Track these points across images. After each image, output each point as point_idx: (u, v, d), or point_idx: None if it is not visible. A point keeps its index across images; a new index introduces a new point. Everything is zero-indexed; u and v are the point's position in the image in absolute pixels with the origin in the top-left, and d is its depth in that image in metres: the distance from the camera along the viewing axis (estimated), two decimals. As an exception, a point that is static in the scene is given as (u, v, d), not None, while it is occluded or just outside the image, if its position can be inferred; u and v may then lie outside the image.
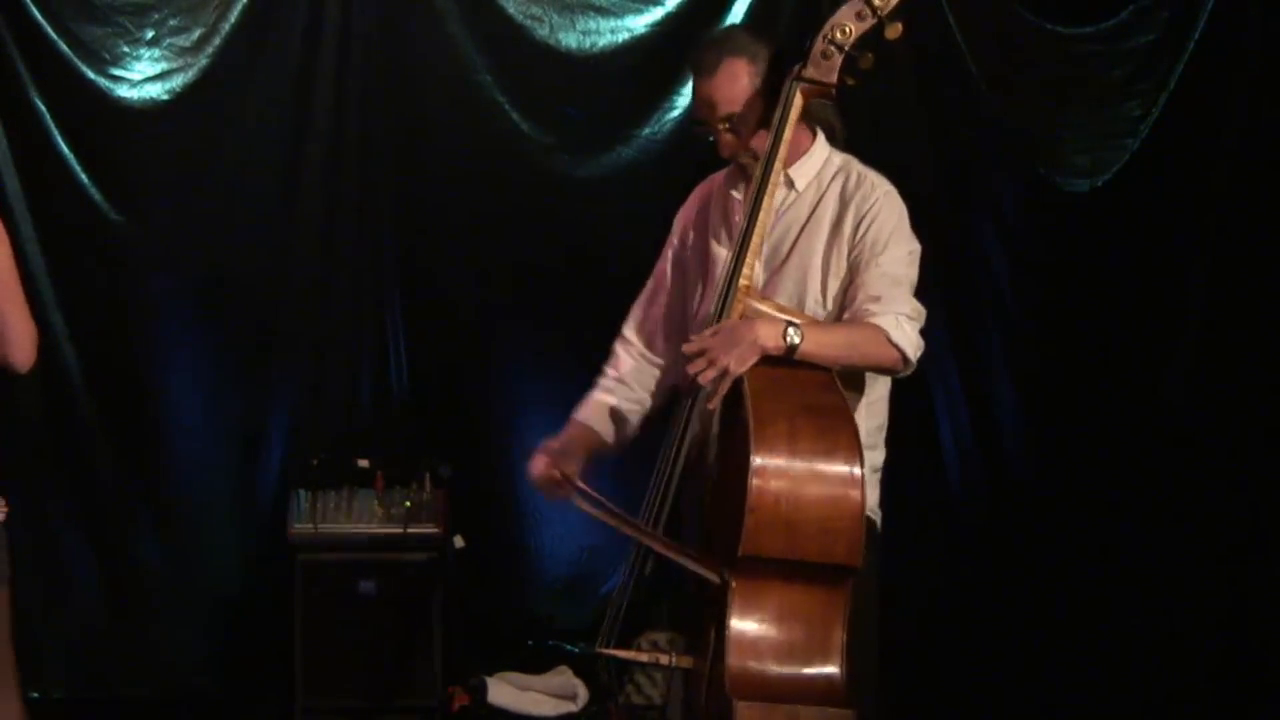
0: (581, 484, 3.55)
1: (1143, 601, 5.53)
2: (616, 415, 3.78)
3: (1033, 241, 5.89)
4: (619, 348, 3.86)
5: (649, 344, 3.84)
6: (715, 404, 3.31)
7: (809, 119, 3.61)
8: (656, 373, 3.82)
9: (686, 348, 3.36)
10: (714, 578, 3.19)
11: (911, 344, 3.40)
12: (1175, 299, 5.58)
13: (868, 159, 3.70)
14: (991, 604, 5.81)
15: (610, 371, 3.84)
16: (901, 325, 3.39)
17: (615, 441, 3.77)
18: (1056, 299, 5.81)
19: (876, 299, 3.41)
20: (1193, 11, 5.55)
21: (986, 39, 5.82)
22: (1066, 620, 5.66)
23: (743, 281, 3.41)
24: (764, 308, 3.38)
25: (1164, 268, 5.60)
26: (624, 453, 3.82)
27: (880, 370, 3.48)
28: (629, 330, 3.87)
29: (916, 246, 3.55)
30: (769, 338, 3.28)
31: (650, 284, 3.89)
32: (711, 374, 3.28)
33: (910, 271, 3.51)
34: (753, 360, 3.27)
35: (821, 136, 3.66)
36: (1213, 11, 5.51)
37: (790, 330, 3.28)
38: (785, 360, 3.28)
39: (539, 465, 3.64)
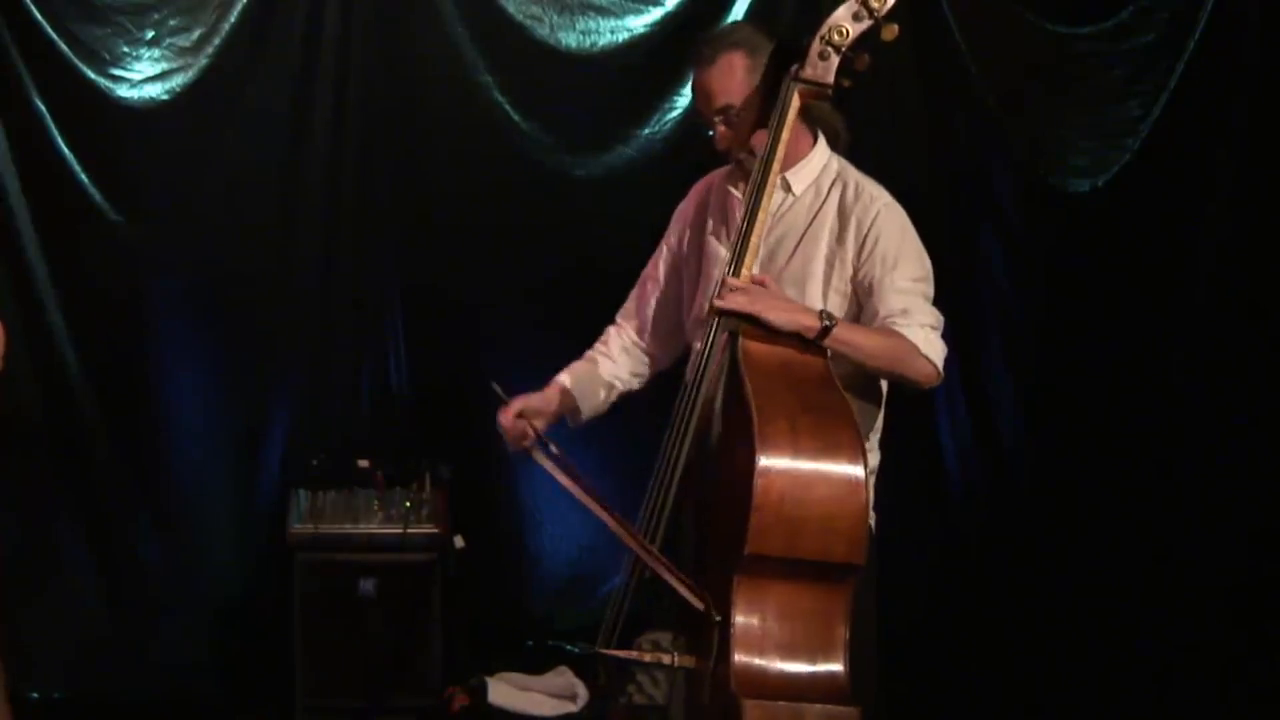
0: (549, 441, 3.53)
1: (1143, 601, 5.53)
2: (596, 385, 3.87)
3: (1033, 241, 5.89)
4: (610, 329, 3.99)
5: (639, 333, 3.94)
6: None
7: (810, 121, 3.62)
8: (644, 359, 3.95)
9: (730, 281, 3.36)
10: (697, 603, 3.21)
11: (939, 355, 3.45)
12: (1175, 299, 5.59)
13: (868, 160, 3.71)
14: (991, 603, 5.82)
15: (599, 346, 3.95)
16: (929, 338, 3.44)
17: (588, 410, 3.86)
18: (1056, 299, 5.82)
19: (903, 311, 3.44)
20: (1193, 11, 5.55)
21: (986, 39, 5.82)
22: (1067, 620, 5.67)
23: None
24: None
25: (1164, 268, 5.61)
26: (587, 426, 3.90)
27: (909, 382, 3.49)
28: (621, 317, 4.00)
29: (928, 261, 3.57)
30: (806, 315, 3.32)
31: (644, 278, 3.94)
32: (743, 301, 3.29)
33: (925, 287, 3.53)
34: (782, 321, 3.29)
35: (823, 141, 3.67)
36: (1213, 11, 5.51)
37: (824, 314, 3.33)
38: (786, 359, 3.28)
39: (509, 414, 3.66)
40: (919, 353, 3.40)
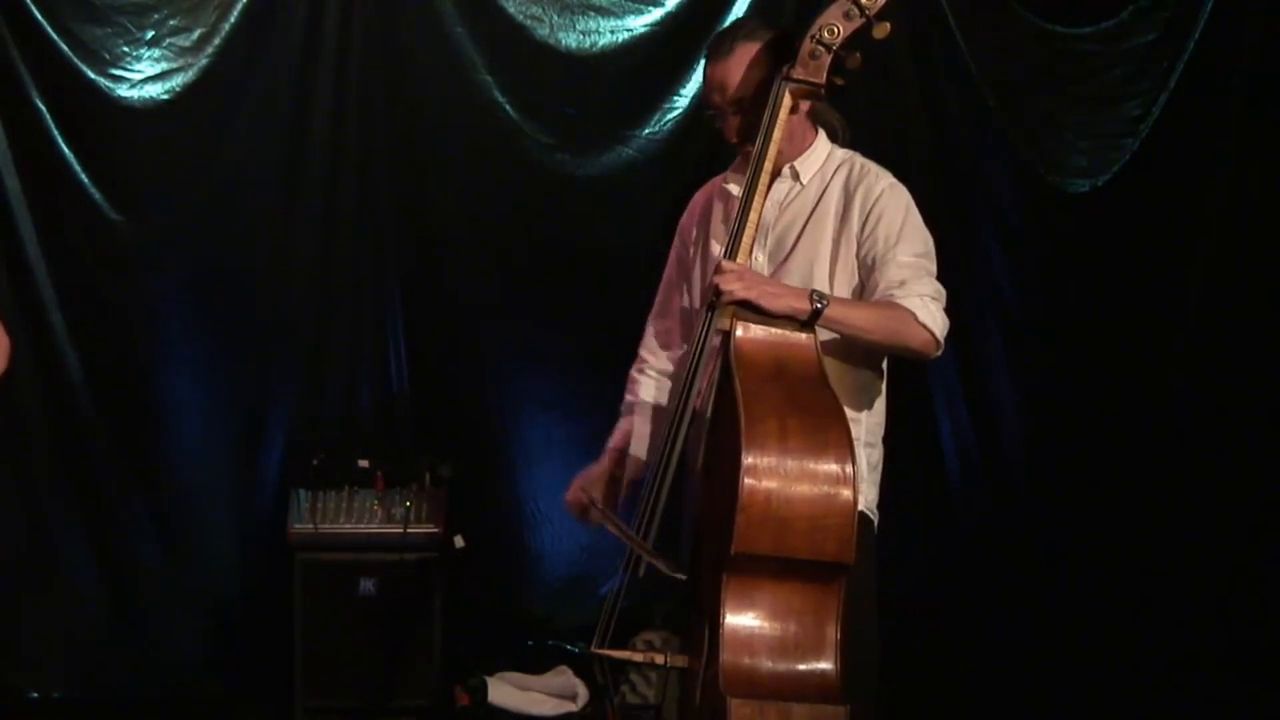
0: (608, 511, 3.62)
1: (1142, 601, 5.53)
2: (644, 437, 3.82)
3: (1033, 241, 5.88)
4: (634, 372, 3.92)
5: (667, 347, 3.88)
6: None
7: (814, 119, 3.63)
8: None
9: (725, 264, 3.37)
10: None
11: (939, 324, 3.42)
12: (1175, 299, 5.59)
13: (868, 158, 3.70)
14: (991, 603, 5.81)
15: (629, 398, 3.89)
16: (927, 305, 3.41)
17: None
18: (1056, 299, 5.81)
19: (900, 283, 3.43)
20: (1193, 11, 5.55)
21: (986, 39, 5.82)
22: (1066, 619, 5.66)
23: None
24: None
25: (1163, 267, 5.61)
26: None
27: (911, 353, 3.47)
28: (644, 350, 3.93)
29: (930, 241, 3.55)
30: (796, 298, 3.32)
31: (661, 293, 3.91)
32: (738, 288, 3.30)
33: (927, 263, 3.51)
34: (777, 307, 3.30)
35: (823, 134, 3.67)
36: (1213, 11, 5.51)
37: (815, 295, 3.31)
38: (778, 357, 3.28)
39: (571, 491, 3.76)
40: (915, 320, 3.38)
